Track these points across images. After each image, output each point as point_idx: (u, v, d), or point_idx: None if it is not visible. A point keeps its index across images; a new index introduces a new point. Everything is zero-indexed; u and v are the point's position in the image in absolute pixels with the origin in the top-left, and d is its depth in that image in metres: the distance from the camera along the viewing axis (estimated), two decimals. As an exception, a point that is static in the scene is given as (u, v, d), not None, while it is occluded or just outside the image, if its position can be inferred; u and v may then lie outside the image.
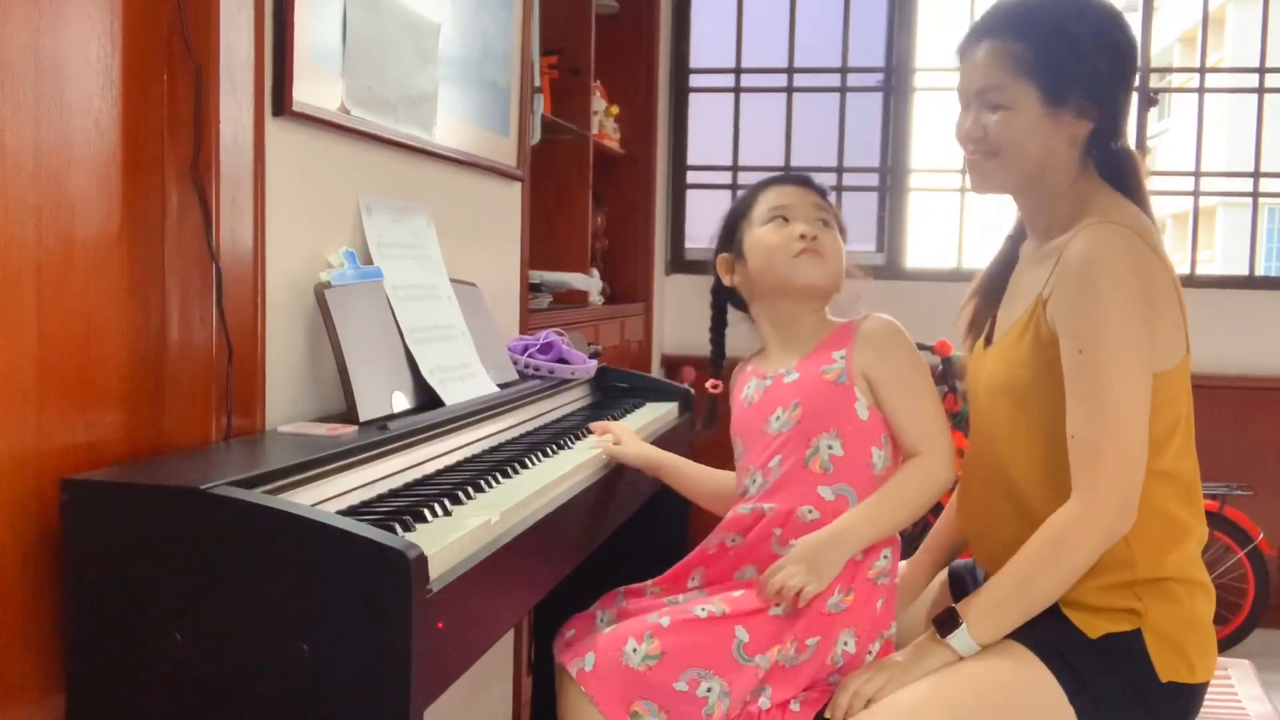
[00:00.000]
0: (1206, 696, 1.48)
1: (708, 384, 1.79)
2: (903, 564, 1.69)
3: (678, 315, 4.33)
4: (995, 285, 1.61)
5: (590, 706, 1.46)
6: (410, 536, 1.16)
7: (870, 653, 1.50)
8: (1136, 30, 4.01)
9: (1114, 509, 1.38)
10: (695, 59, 4.35)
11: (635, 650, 1.46)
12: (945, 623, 1.45)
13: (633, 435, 1.83)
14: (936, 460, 1.52)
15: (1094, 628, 1.43)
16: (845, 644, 1.49)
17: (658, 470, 1.80)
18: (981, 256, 1.75)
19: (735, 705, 1.45)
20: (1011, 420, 1.49)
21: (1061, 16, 1.45)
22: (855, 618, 1.49)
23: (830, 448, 1.53)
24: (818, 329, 1.62)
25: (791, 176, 1.69)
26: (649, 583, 1.66)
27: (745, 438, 1.63)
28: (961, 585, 1.67)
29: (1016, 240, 1.62)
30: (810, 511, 1.53)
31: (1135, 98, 1.52)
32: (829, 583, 1.47)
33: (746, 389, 1.66)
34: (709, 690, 1.45)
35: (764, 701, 1.45)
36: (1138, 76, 1.52)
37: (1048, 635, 1.43)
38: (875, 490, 1.53)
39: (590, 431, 1.86)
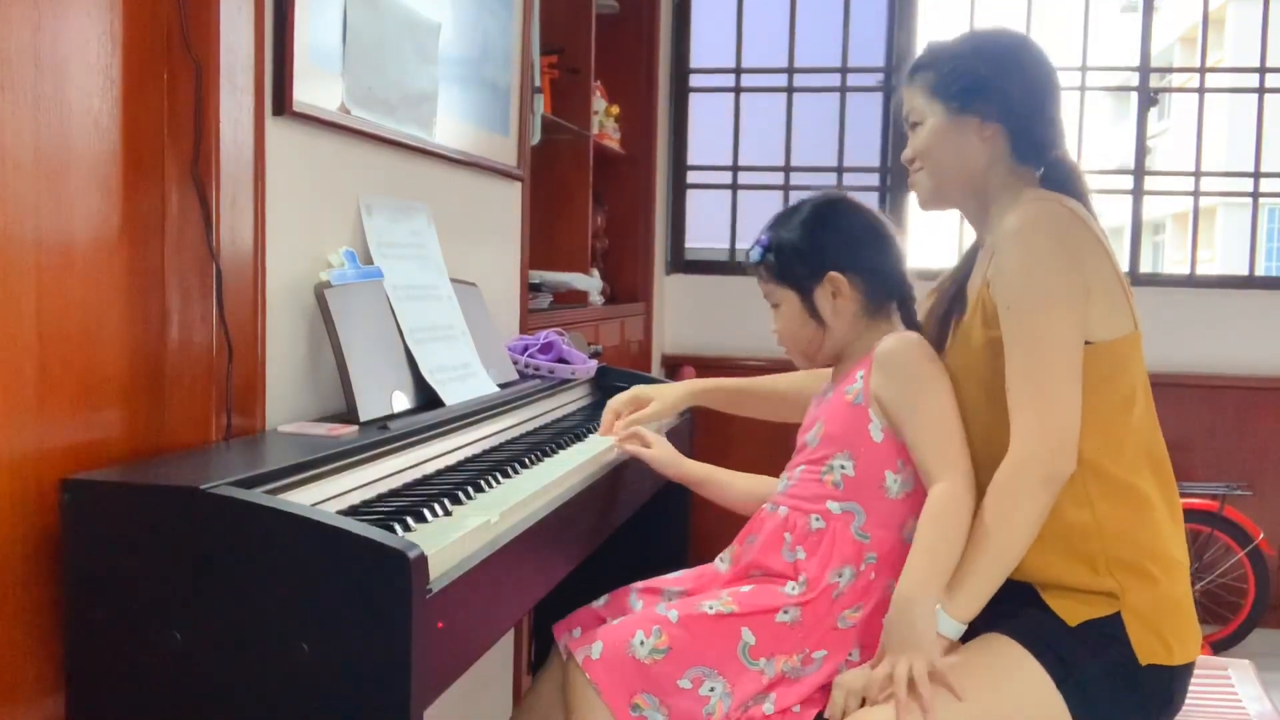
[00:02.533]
0: (1207, 696, 1.48)
1: None
2: None
3: (678, 315, 4.33)
4: (956, 291, 1.64)
5: (593, 694, 1.46)
6: (410, 536, 1.16)
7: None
8: (1136, 30, 4.05)
9: (1051, 447, 1.40)
10: (695, 59, 4.35)
11: (643, 643, 1.46)
12: None
13: (665, 443, 1.82)
14: (951, 485, 1.44)
15: (1074, 614, 1.45)
16: (852, 655, 1.49)
17: (688, 484, 1.80)
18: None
19: (736, 708, 1.45)
20: (981, 407, 1.51)
21: (968, 45, 1.62)
22: (862, 633, 1.49)
23: (843, 467, 1.53)
24: (850, 354, 1.62)
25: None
26: (667, 588, 1.65)
27: (796, 445, 1.65)
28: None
29: (975, 252, 1.66)
30: (817, 520, 1.53)
31: (1063, 118, 1.62)
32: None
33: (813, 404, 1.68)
34: (711, 690, 1.45)
35: (768, 707, 1.45)
36: (1061, 94, 1.63)
37: (1031, 625, 1.45)
38: (887, 512, 1.51)
39: (591, 430, 1.85)
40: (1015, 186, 1.57)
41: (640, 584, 1.68)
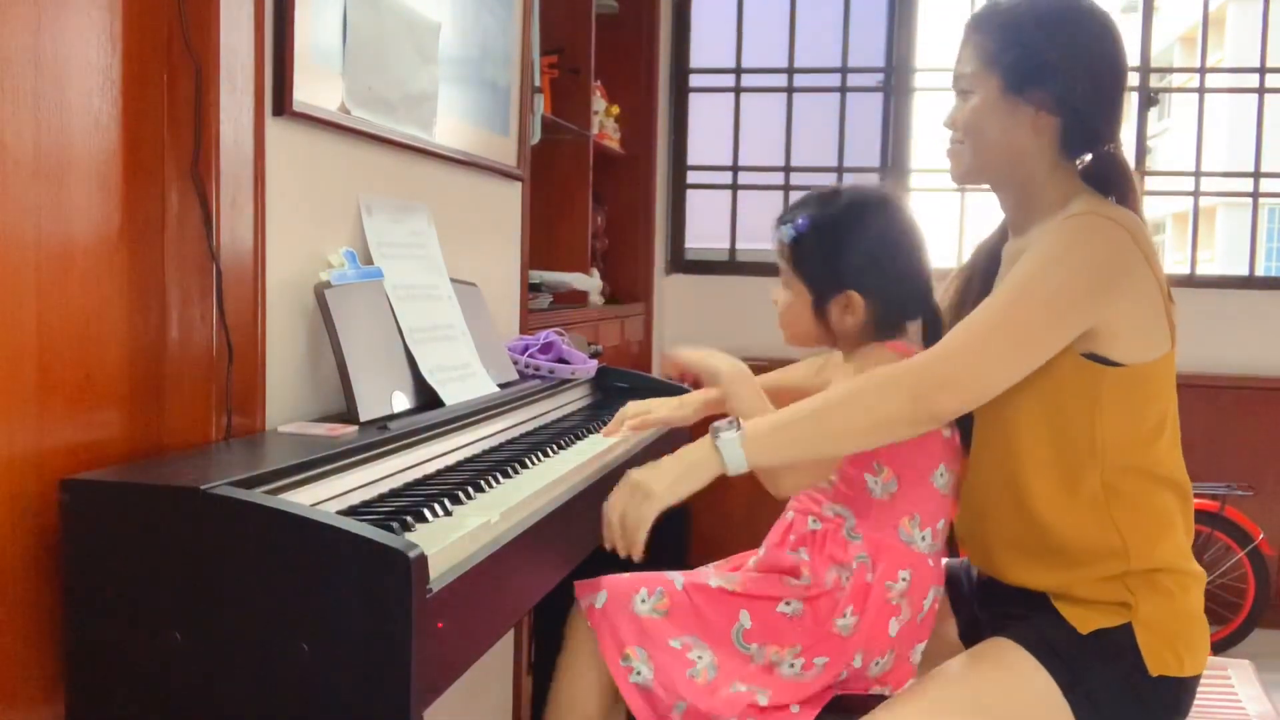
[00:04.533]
0: (1207, 696, 1.48)
1: None
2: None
3: (678, 315, 4.33)
4: (980, 276, 1.61)
5: (590, 640, 1.52)
6: (410, 536, 1.16)
7: (876, 664, 1.50)
8: (1136, 30, 4.05)
9: (935, 385, 1.36)
10: (695, 59, 4.35)
11: (644, 601, 1.51)
12: (724, 426, 1.41)
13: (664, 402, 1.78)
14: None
15: (1085, 622, 1.44)
16: (855, 661, 1.48)
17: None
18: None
19: (722, 681, 1.46)
20: (1012, 415, 1.48)
21: (1034, 15, 1.48)
22: (866, 639, 1.48)
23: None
24: (860, 362, 1.57)
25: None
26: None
27: None
28: (956, 584, 1.68)
29: (1002, 238, 1.62)
30: (814, 522, 1.54)
31: (1125, 105, 1.54)
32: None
33: None
34: (699, 657, 1.48)
35: (762, 699, 1.45)
36: (1127, 80, 1.53)
37: (1040, 631, 1.45)
38: (877, 513, 1.50)
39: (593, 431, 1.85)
40: (1059, 180, 1.50)
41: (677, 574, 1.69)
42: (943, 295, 1.68)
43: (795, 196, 4.45)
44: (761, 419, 1.42)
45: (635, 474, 1.44)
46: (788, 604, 1.49)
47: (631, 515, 1.40)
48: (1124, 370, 1.42)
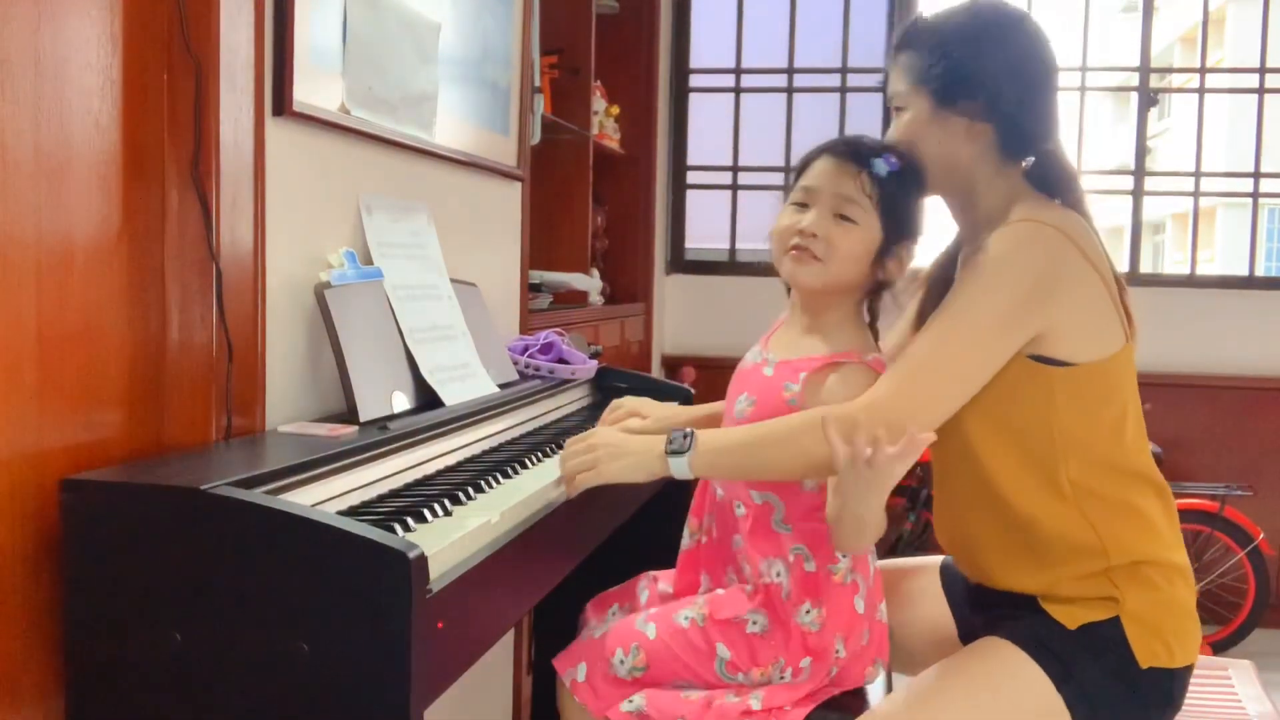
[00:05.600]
0: (1207, 696, 1.48)
1: None
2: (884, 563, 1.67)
3: (678, 315, 4.33)
4: (938, 287, 1.60)
5: (583, 713, 1.50)
6: (410, 537, 1.16)
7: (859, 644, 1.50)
8: (1136, 30, 4.05)
9: (883, 423, 1.34)
10: (695, 59, 4.35)
11: (622, 662, 1.49)
12: (678, 438, 1.45)
13: (658, 406, 1.76)
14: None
15: (1073, 618, 1.44)
16: (839, 652, 1.48)
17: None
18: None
19: (716, 695, 1.46)
20: (973, 421, 1.48)
21: (957, 27, 1.50)
22: (838, 624, 1.48)
23: None
24: (824, 333, 1.53)
25: (840, 147, 1.52)
26: (662, 580, 1.67)
27: (727, 400, 1.61)
28: (953, 584, 1.68)
29: (958, 246, 1.62)
30: (739, 507, 1.53)
31: (1058, 104, 1.53)
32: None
33: (751, 351, 1.62)
34: (692, 693, 1.47)
35: (755, 703, 1.46)
36: (1057, 79, 1.54)
37: (1030, 629, 1.45)
38: (806, 504, 1.48)
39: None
40: (1002, 185, 1.51)
41: (654, 574, 1.69)
42: (908, 308, 1.68)
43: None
44: (711, 439, 1.45)
45: (600, 437, 1.48)
46: (754, 622, 1.48)
47: (579, 477, 1.46)
48: (1075, 369, 1.43)
